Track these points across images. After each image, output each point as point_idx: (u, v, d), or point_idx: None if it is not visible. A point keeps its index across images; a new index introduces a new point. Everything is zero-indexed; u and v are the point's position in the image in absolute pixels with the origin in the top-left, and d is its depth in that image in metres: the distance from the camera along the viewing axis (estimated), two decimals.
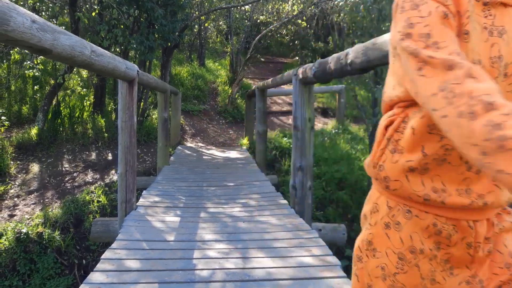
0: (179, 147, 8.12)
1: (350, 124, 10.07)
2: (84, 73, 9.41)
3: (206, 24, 14.32)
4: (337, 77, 3.53)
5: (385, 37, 2.21)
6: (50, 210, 5.75)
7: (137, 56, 7.44)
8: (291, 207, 4.00)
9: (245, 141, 8.63)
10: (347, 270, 5.63)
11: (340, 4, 6.27)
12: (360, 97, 9.08)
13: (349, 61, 2.64)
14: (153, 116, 8.98)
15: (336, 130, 9.08)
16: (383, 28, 5.88)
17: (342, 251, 5.85)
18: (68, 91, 9.27)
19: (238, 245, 3.02)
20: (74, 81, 9.42)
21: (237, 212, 3.94)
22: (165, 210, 3.90)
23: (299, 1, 11.55)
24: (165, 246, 2.94)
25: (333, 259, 2.72)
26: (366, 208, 1.20)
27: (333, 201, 6.67)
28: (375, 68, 4.68)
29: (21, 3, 7.21)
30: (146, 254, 2.77)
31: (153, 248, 2.90)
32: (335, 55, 2.98)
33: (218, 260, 2.74)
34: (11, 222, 5.53)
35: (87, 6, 8.12)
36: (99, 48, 2.73)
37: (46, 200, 6.07)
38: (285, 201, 4.27)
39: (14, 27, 1.67)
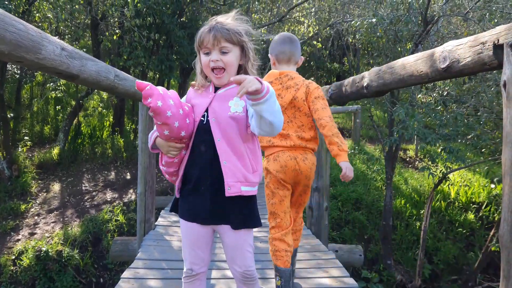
0: None
1: (366, 144, 10.05)
2: (104, 94, 9.63)
3: None
4: (353, 100, 3.57)
5: (401, 61, 2.26)
6: (69, 228, 5.85)
7: (156, 77, 7.60)
8: (308, 227, 4.01)
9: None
10: None
11: (357, 24, 6.30)
12: (376, 117, 9.08)
13: (365, 84, 2.68)
14: None
15: (351, 150, 9.06)
16: (399, 49, 5.91)
17: (359, 272, 5.79)
18: (89, 112, 9.49)
19: (257, 265, 3.01)
20: (95, 101, 9.64)
21: (255, 232, 3.95)
22: None
23: (315, 23, 11.67)
24: None
25: (351, 281, 2.72)
26: None
27: (349, 221, 6.63)
28: (391, 91, 4.69)
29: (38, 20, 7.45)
30: (165, 274, 2.81)
31: (172, 267, 2.94)
32: (351, 78, 3.03)
33: None
34: (31, 240, 5.64)
35: (108, 30, 8.36)
36: (122, 72, 2.83)
37: (66, 218, 6.17)
38: None
39: (45, 55, 1.75)
